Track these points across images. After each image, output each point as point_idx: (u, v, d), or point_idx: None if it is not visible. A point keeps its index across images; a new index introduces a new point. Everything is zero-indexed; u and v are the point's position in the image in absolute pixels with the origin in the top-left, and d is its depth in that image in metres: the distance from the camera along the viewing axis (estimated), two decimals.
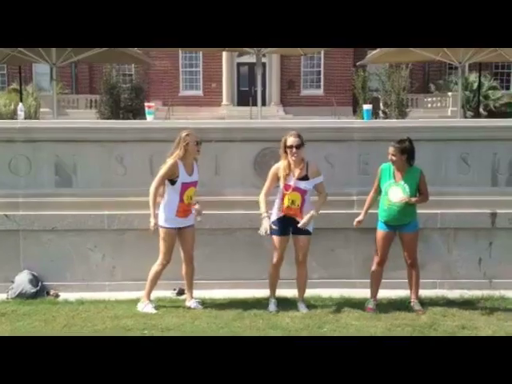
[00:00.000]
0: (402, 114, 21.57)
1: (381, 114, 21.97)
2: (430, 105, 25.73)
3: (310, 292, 5.10)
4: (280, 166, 4.75)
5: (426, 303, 5.06)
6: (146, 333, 4.23)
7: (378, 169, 4.89)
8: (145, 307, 4.78)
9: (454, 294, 5.29)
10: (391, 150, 4.71)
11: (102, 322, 4.52)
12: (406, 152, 4.71)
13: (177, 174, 4.69)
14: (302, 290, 4.92)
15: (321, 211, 5.20)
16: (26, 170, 5.34)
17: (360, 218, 4.89)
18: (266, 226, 4.64)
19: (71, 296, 5.17)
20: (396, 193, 4.76)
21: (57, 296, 5.26)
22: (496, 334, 4.31)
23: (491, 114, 22.72)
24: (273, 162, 5.35)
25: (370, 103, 5.80)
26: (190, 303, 4.93)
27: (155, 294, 5.08)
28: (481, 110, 23.38)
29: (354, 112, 23.87)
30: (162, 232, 4.75)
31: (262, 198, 4.76)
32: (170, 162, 4.69)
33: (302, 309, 4.81)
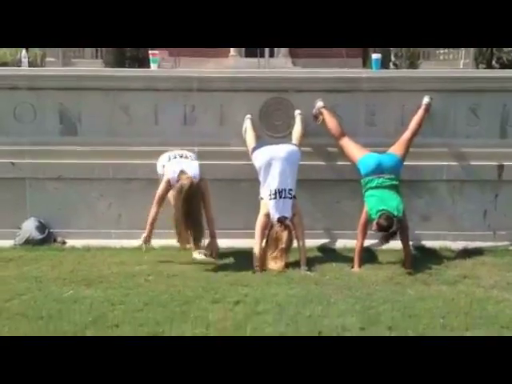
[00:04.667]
0: (414, 66, 21.18)
1: (391, 66, 21.57)
2: (441, 57, 25.22)
3: (314, 242, 5.15)
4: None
5: (430, 254, 5.11)
6: (151, 278, 4.30)
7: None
8: None
9: (457, 245, 5.31)
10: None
11: (108, 268, 4.59)
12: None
13: None
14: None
15: (322, 162, 5.28)
16: (31, 118, 5.32)
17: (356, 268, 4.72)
18: None
19: (77, 243, 5.23)
20: None
21: (63, 243, 5.33)
22: (497, 284, 4.35)
23: (504, 67, 22.26)
24: (279, 113, 5.34)
25: (379, 53, 5.65)
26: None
27: (160, 242, 5.14)
28: (493, 62, 22.94)
29: (364, 64, 23.44)
30: None
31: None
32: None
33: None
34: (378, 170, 4.87)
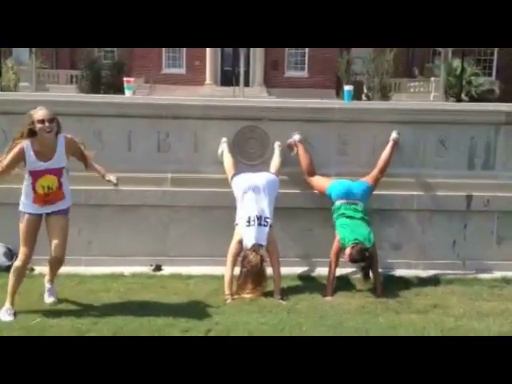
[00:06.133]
0: (385, 98, 21.67)
1: (364, 98, 22.03)
2: (412, 89, 25.91)
3: (286, 270, 5.12)
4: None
5: (400, 282, 5.15)
6: (121, 306, 4.23)
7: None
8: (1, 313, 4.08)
9: (428, 274, 5.37)
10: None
11: (77, 296, 4.51)
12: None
13: (23, 159, 4.07)
14: None
15: (295, 190, 5.29)
16: (1, 143, 5.25)
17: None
18: None
19: (46, 270, 5.12)
20: None
21: (32, 270, 5.20)
22: (467, 313, 4.40)
23: (473, 101, 22.91)
24: (253, 141, 5.39)
25: (349, 84, 5.79)
26: (45, 296, 4.38)
27: (131, 269, 5.09)
28: (463, 95, 23.60)
29: (337, 95, 23.90)
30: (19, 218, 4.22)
31: None
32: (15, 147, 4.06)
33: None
34: (348, 194, 4.96)
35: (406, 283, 5.13)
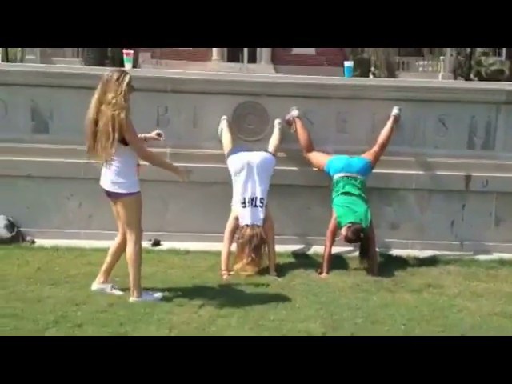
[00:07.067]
0: (392, 77, 21.41)
1: (370, 76, 21.78)
2: (421, 69, 25.60)
3: (283, 248, 5.16)
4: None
5: (397, 262, 5.17)
6: (118, 280, 4.27)
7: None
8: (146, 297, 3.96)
9: (425, 254, 5.38)
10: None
11: (76, 268, 4.56)
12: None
13: None
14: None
15: (294, 168, 5.27)
16: (2, 114, 5.27)
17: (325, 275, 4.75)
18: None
19: (46, 243, 5.18)
20: None
21: (32, 242, 5.27)
22: (461, 293, 4.42)
23: (482, 81, 22.65)
24: (252, 116, 5.37)
25: (353, 61, 5.70)
26: (103, 286, 4.10)
27: None
28: (472, 75, 23.31)
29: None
30: (130, 201, 3.89)
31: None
32: (122, 115, 3.85)
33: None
34: (347, 168, 4.95)
35: (402, 263, 5.15)
